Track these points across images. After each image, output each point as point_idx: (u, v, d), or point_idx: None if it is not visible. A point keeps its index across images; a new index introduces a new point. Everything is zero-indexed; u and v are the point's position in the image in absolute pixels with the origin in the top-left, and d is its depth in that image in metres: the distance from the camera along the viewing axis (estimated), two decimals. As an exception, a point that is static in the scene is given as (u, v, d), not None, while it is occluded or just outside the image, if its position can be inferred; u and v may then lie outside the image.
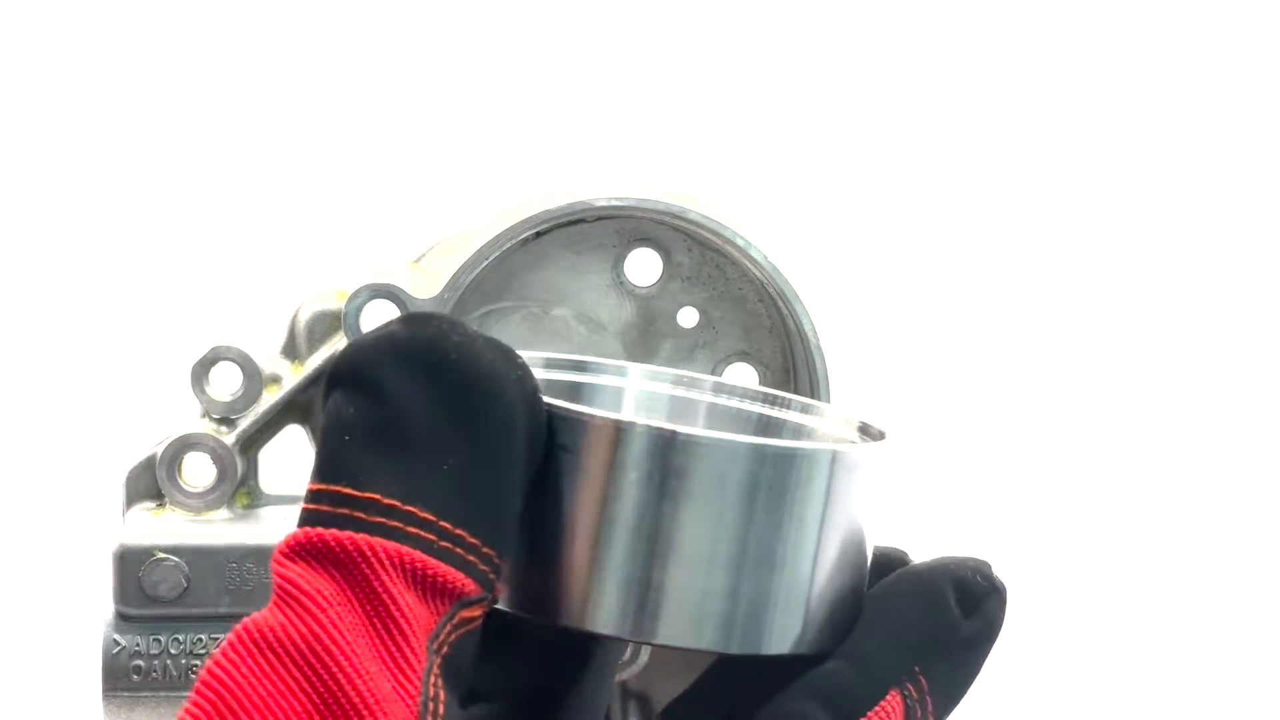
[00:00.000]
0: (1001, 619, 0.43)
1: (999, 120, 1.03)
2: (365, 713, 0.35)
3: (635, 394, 0.46)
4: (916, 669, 0.41)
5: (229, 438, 0.57)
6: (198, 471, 0.57)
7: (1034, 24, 1.04)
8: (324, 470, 0.37)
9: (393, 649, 0.36)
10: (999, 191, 1.02)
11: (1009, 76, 1.03)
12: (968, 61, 1.03)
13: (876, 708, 0.40)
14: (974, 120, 1.03)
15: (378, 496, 0.37)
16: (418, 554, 0.36)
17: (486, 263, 0.55)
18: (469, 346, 0.38)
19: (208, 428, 0.57)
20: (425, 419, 0.37)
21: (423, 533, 0.37)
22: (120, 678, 0.57)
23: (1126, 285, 1.01)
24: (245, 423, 0.57)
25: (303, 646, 0.35)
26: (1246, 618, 0.96)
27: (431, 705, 0.36)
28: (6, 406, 0.91)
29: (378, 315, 0.55)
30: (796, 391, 0.50)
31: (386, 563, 0.36)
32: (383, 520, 0.37)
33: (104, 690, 0.57)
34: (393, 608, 0.36)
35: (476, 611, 0.37)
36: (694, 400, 0.46)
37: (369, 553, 0.36)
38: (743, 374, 0.57)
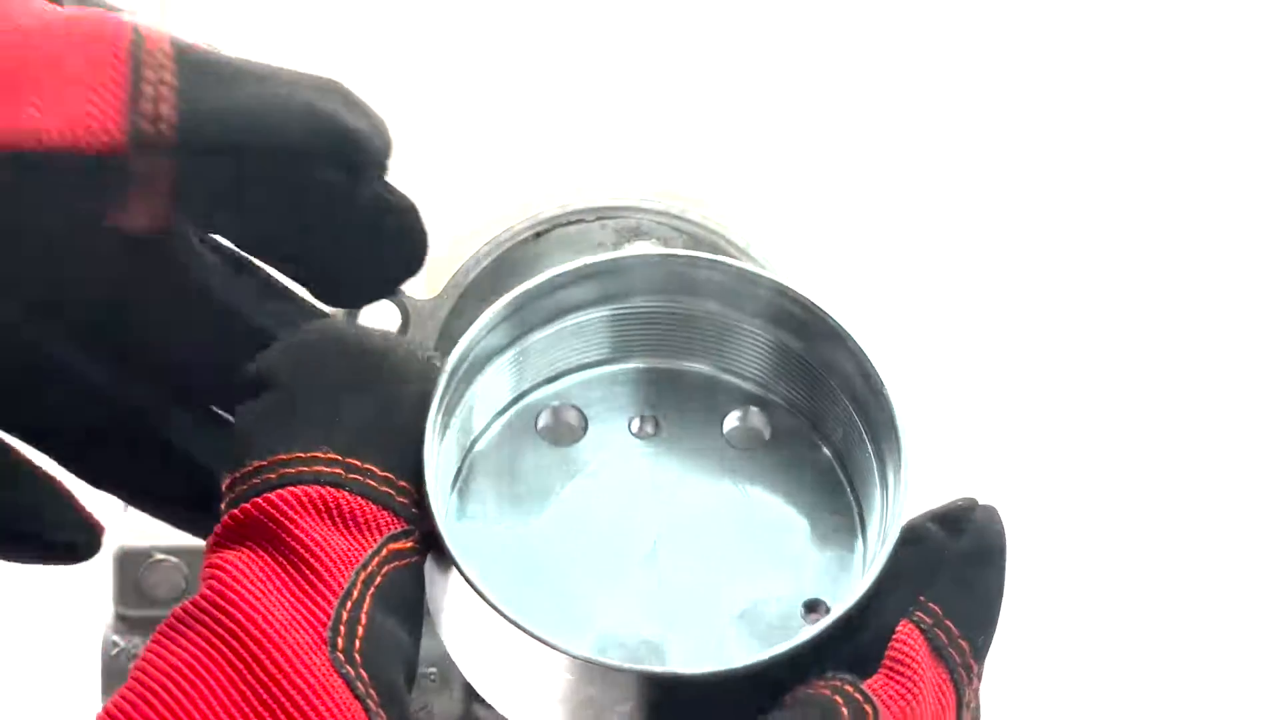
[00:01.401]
0: (997, 529, 0.41)
1: (999, 120, 1.03)
2: (266, 645, 0.35)
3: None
4: (921, 598, 0.39)
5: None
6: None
7: (1034, 23, 1.04)
8: (232, 461, 0.38)
9: (302, 582, 0.36)
10: (1000, 191, 1.02)
11: (1009, 76, 1.03)
12: (968, 61, 1.03)
13: (892, 643, 0.39)
14: (974, 120, 1.02)
15: (280, 455, 0.38)
16: (328, 490, 0.37)
17: (486, 263, 0.54)
18: (352, 330, 0.40)
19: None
20: (318, 389, 0.39)
21: (331, 470, 0.37)
22: (119, 679, 0.56)
23: (1129, 287, 1.01)
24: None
25: (209, 609, 0.36)
26: (1247, 618, 0.96)
27: (345, 629, 0.36)
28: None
29: (377, 315, 0.55)
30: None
31: (294, 504, 0.37)
32: (289, 471, 0.37)
33: (103, 692, 0.57)
34: (302, 545, 0.36)
35: (406, 545, 0.38)
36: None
37: (278, 503, 0.37)
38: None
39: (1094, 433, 0.99)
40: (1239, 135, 1.04)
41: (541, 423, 0.45)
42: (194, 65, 0.38)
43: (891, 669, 0.38)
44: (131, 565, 0.57)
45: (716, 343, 0.46)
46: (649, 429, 0.45)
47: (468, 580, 0.39)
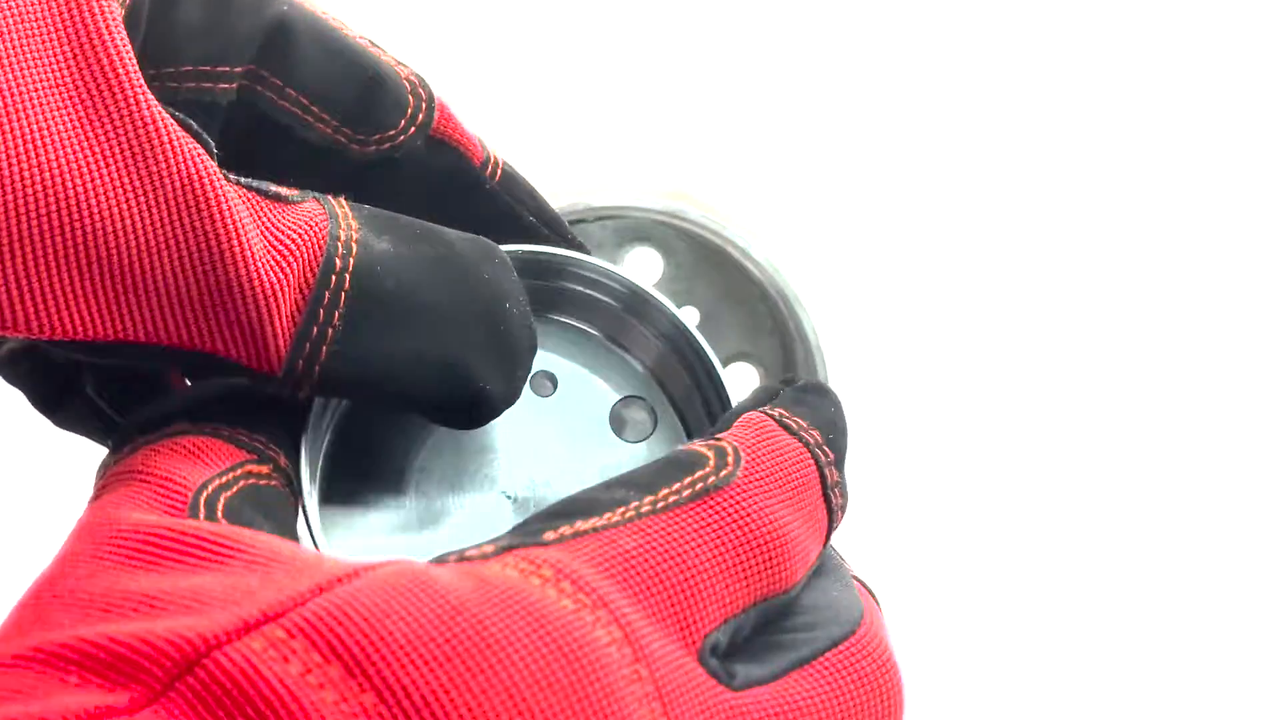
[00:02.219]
0: (829, 386, 0.45)
1: (999, 120, 1.03)
2: (164, 533, 0.37)
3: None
4: (766, 405, 0.42)
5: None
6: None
7: (1033, 23, 1.04)
8: (114, 447, 0.41)
9: (158, 495, 0.38)
10: (999, 192, 1.02)
11: (1008, 76, 1.03)
12: (967, 60, 1.03)
13: (737, 421, 0.41)
14: (974, 120, 1.03)
15: (135, 440, 0.41)
16: (180, 438, 0.40)
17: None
18: None
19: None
20: (156, 385, 0.42)
21: (183, 426, 0.40)
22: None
23: (1127, 288, 1.01)
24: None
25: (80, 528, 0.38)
26: (1246, 618, 0.96)
27: (205, 510, 0.38)
28: (8, 407, 0.91)
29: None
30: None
31: (148, 453, 0.40)
32: (150, 438, 0.40)
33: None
34: (156, 471, 0.39)
35: (264, 469, 0.40)
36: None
37: (134, 455, 0.40)
38: (744, 374, 0.57)
39: (1076, 436, 0.99)
40: (1237, 136, 1.04)
41: None
42: (365, 306, 0.40)
43: (739, 426, 0.41)
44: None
45: (622, 331, 0.48)
46: (548, 386, 0.47)
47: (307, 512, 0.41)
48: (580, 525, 0.36)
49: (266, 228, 0.39)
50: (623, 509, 0.37)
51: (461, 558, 0.35)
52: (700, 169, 0.97)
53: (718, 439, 0.40)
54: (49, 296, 0.37)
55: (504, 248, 0.44)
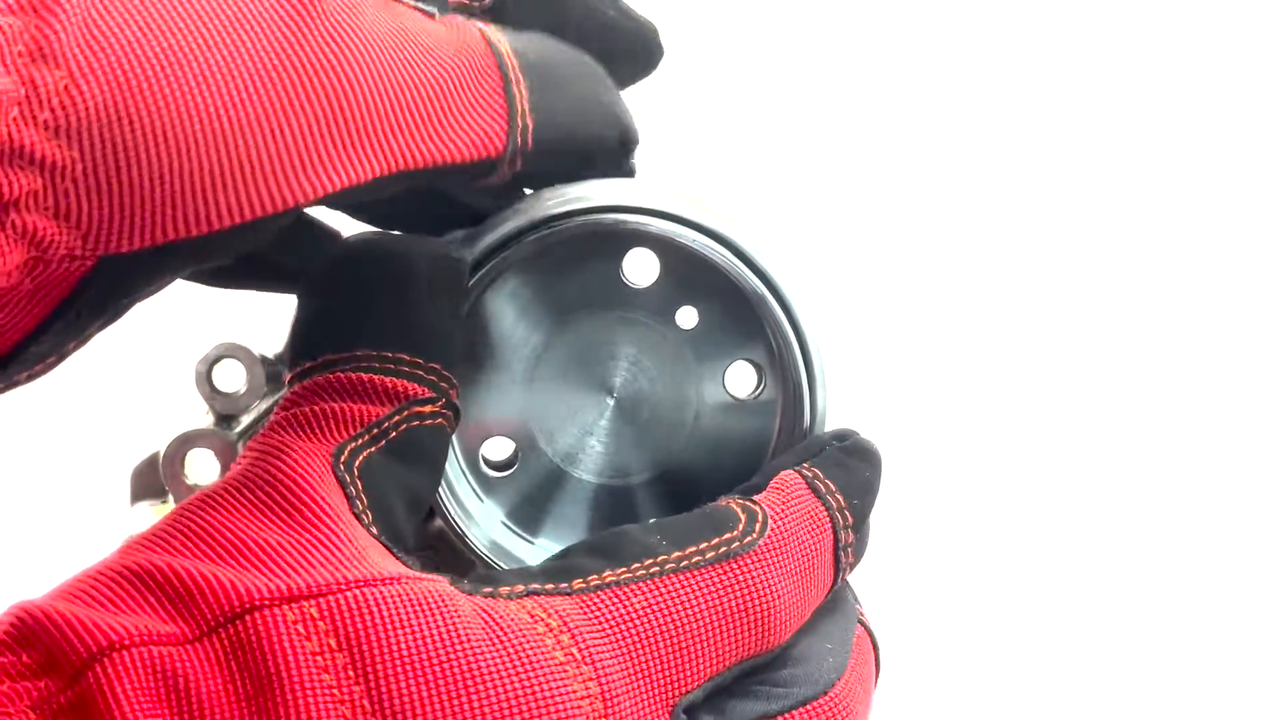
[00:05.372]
0: (876, 445, 0.49)
1: (994, 121, 1.03)
2: (279, 465, 0.42)
3: None
4: (805, 464, 0.47)
5: (233, 435, 0.57)
6: (201, 468, 0.57)
7: (1031, 23, 1.04)
8: (291, 360, 0.46)
9: (317, 432, 0.43)
10: (995, 192, 1.03)
11: (1004, 77, 1.03)
12: (963, 62, 1.03)
13: (773, 481, 0.46)
14: (969, 121, 1.03)
15: (328, 356, 0.45)
16: (359, 374, 0.44)
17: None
18: (387, 239, 0.47)
19: (211, 425, 0.57)
20: (358, 295, 0.46)
21: (365, 360, 0.45)
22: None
23: (1123, 287, 1.02)
24: (249, 419, 0.58)
25: (250, 462, 0.43)
26: (1246, 618, 0.96)
27: (348, 455, 0.43)
28: (12, 406, 0.91)
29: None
30: (795, 393, 0.52)
31: (325, 385, 0.44)
32: (333, 360, 0.45)
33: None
34: (324, 409, 0.43)
35: (429, 409, 0.45)
36: None
37: (314, 383, 0.44)
38: (743, 374, 0.57)
39: (1081, 440, 1.00)
40: (1234, 140, 1.05)
41: (626, 264, 0.52)
42: (535, 76, 0.47)
43: (773, 488, 0.46)
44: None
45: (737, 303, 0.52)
46: (686, 324, 0.52)
47: None
48: (608, 575, 0.42)
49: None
50: (650, 560, 0.42)
51: (495, 591, 0.41)
52: (700, 169, 0.98)
53: (753, 501, 0.45)
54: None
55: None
